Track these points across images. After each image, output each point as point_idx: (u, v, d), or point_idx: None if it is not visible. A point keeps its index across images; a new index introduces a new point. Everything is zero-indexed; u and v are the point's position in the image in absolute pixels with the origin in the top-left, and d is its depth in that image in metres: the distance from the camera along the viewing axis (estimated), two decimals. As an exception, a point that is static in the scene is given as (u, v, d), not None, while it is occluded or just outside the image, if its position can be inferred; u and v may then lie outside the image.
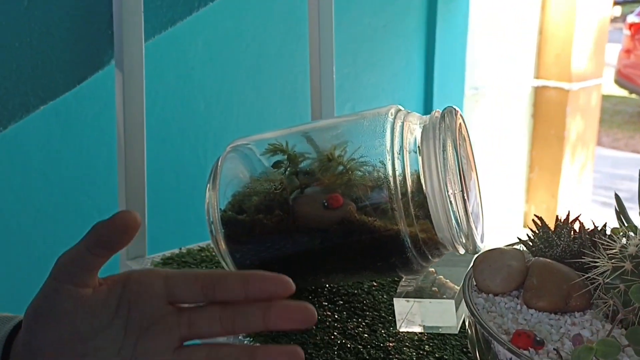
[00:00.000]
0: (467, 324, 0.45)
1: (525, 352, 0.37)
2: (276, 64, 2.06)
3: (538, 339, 0.38)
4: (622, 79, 5.67)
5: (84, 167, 1.64)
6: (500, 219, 3.13)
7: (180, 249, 0.76)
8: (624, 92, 6.18)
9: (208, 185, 0.63)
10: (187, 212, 1.89)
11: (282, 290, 0.37)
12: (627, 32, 5.39)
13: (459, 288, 0.60)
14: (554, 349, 0.37)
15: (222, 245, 0.60)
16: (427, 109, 2.68)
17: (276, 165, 0.60)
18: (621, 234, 0.44)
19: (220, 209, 0.60)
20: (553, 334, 0.39)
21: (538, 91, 3.24)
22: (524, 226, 3.37)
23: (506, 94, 3.09)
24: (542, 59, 3.24)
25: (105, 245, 0.36)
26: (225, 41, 1.94)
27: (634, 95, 5.91)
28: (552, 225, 0.49)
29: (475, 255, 0.47)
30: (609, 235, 0.46)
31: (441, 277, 0.63)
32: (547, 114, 3.23)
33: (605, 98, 3.84)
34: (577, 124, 3.26)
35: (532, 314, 0.42)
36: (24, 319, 0.38)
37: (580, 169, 3.37)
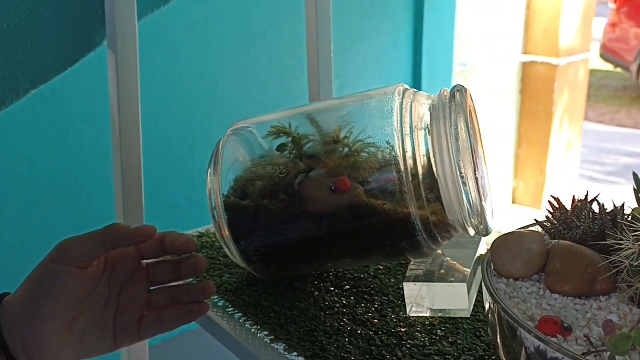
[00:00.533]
0: (486, 309, 0.43)
1: (553, 338, 0.36)
2: (263, 40, 2.02)
3: (565, 325, 0.37)
4: (607, 53, 5.68)
5: (71, 151, 1.60)
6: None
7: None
8: (609, 66, 6.20)
9: (209, 170, 0.60)
10: (176, 195, 1.87)
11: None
12: (612, 5, 5.39)
13: (468, 270, 0.59)
14: (585, 335, 0.36)
15: (226, 231, 0.58)
16: (415, 85, 2.66)
17: (280, 148, 0.58)
18: (643, 214, 0.43)
19: (222, 194, 0.58)
20: (580, 320, 0.38)
21: (526, 66, 3.23)
22: (513, 202, 3.38)
23: (494, 70, 3.07)
24: (530, 34, 3.22)
25: (120, 246, 0.49)
26: (211, 18, 1.90)
27: (618, 69, 5.93)
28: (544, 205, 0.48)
29: (485, 239, 0.45)
30: (632, 215, 0.45)
31: (448, 259, 0.62)
32: (535, 90, 3.23)
33: (591, 72, 3.84)
34: (564, 99, 3.26)
35: (556, 299, 0.40)
36: (22, 293, 0.47)
37: (568, 144, 3.38)
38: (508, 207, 3.34)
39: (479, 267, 0.62)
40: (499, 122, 3.17)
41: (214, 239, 0.71)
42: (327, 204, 0.55)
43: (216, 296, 0.60)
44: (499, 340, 0.41)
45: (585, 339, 0.36)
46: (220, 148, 0.61)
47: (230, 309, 0.58)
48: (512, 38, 3.14)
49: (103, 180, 1.61)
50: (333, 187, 0.55)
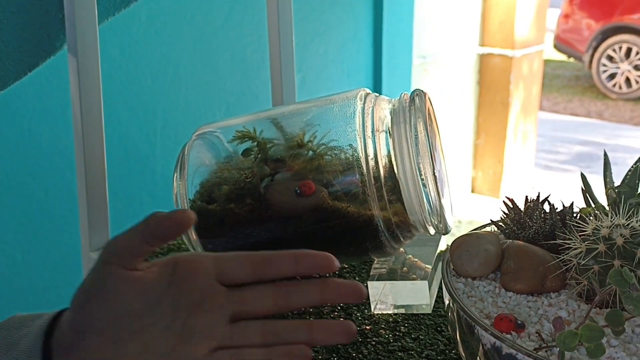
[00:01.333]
0: (446, 306, 0.46)
1: (508, 335, 0.39)
2: (224, 34, 2.02)
3: (519, 322, 0.39)
4: (560, 43, 5.83)
5: (27, 148, 1.57)
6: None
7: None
8: (562, 57, 6.37)
9: (175, 174, 0.61)
10: (140, 191, 1.86)
11: (329, 268, 0.40)
12: (565, -3, 5.52)
13: (429, 267, 0.61)
14: (537, 332, 0.38)
15: (193, 235, 0.59)
16: (376, 78, 2.69)
17: (246, 152, 0.59)
18: (590, 215, 0.46)
19: (189, 198, 0.59)
20: (532, 316, 0.41)
21: (483, 58, 3.30)
22: (472, 191, 3.46)
23: (453, 62, 3.13)
24: (487, 27, 3.29)
25: (161, 237, 0.38)
26: (170, 12, 1.88)
27: (572, 59, 6.09)
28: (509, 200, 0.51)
29: (445, 238, 0.48)
30: (579, 216, 0.48)
31: (410, 256, 0.64)
32: (492, 81, 3.30)
33: (545, 62, 3.94)
34: (520, 90, 3.34)
35: (510, 297, 0.43)
36: (73, 302, 0.38)
37: (524, 134, 3.47)
38: (467, 196, 3.41)
39: (440, 264, 0.65)
40: (458, 113, 3.23)
41: (180, 242, 0.72)
42: (292, 207, 0.57)
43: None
44: (458, 336, 0.43)
45: (537, 335, 0.38)
46: (185, 153, 0.62)
47: (199, 312, 0.59)
48: (469, 30, 3.20)
49: (61, 177, 1.59)
50: (298, 191, 0.56)
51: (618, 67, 5.48)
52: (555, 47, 5.95)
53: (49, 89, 1.56)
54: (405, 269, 0.62)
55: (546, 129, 4.83)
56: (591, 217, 0.44)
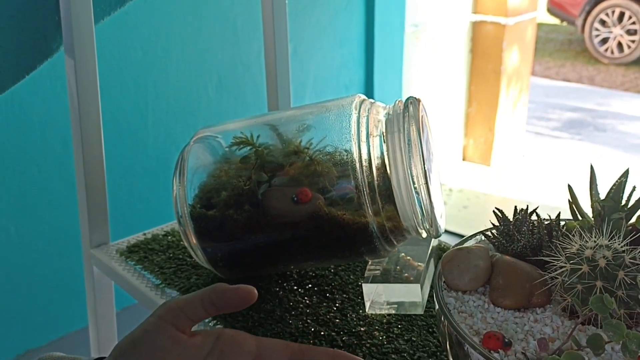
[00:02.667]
0: (436, 316, 0.48)
1: (496, 354, 0.41)
2: (214, 5, 2.00)
3: (506, 340, 0.42)
4: (554, 7, 5.78)
5: (22, 130, 1.57)
6: (440, 154, 3.22)
7: (145, 234, 0.76)
8: (555, 21, 6.32)
9: (174, 178, 0.63)
10: (133, 164, 1.86)
11: None
12: (559, -40, 5.46)
13: (422, 265, 0.64)
14: (522, 352, 0.41)
15: (193, 239, 0.61)
16: (368, 47, 2.68)
17: (244, 160, 0.60)
18: (575, 231, 0.48)
19: (188, 203, 0.61)
20: (519, 332, 0.43)
21: (476, 26, 3.28)
22: (463, 159, 3.49)
23: (445, 30, 3.11)
24: (480, -6, 3.26)
25: (221, 308, 0.41)
26: (161, -18, 1.86)
27: (565, 24, 6.06)
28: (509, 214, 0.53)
29: (442, 256, 0.50)
30: (564, 231, 0.50)
31: (404, 254, 0.67)
32: (484, 49, 3.29)
33: (538, 26, 3.92)
34: (513, 58, 3.34)
35: (498, 312, 0.45)
36: (116, 349, 0.40)
37: (516, 102, 3.48)
38: (458, 164, 3.44)
39: (432, 261, 0.67)
40: (450, 81, 3.23)
41: (179, 240, 0.74)
42: (289, 214, 0.58)
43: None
44: (448, 346, 0.46)
45: (523, 354, 0.41)
46: (184, 156, 0.63)
47: (200, 312, 0.61)
48: (462, -2, 3.17)
49: (52, 152, 1.59)
50: (295, 198, 0.58)
51: (610, 32, 5.46)
52: (549, 10, 5.90)
53: (57, 100, 1.56)
54: (398, 268, 0.64)
55: (538, 95, 4.84)
56: (576, 234, 0.46)
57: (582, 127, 4.23)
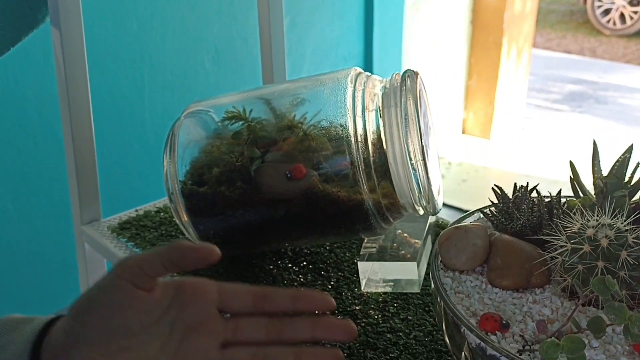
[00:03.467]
0: (432, 296, 0.47)
1: (493, 336, 0.40)
2: (213, -22, 1.96)
3: (504, 322, 0.40)
4: (556, -22, 5.68)
5: (17, 105, 1.55)
6: (439, 127, 3.20)
7: (137, 210, 0.74)
8: (558, -9, 6.23)
9: (165, 153, 0.61)
10: (129, 139, 1.84)
11: (326, 308, 0.41)
12: None
13: (419, 242, 0.63)
14: (520, 334, 0.39)
15: (184, 216, 0.59)
16: (367, 19, 2.64)
17: (236, 135, 0.58)
18: (576, 209, 0.46)
19: (179, 180, 0.59)
20: (517, 314, 0.42)
21: (477, -3, 3.23)
22: (463, 132, 3.46)
23: (446, 1, 3.06)
24: (481, -36, 3.20)
25: (180, 266, 0.39)
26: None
27: (567, -6, 5.96)
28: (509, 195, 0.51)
29: (439, 235, 0.48)
30: (565, 209, 0.49)
31: (400, 231, 0.65)
32: (485, 21, 3.24)
33: (540, -2, 3.86)
34: (514, 29, 3.29)
35: (496, 293, 0.44)
36: (72, 309, 0.38)
37: (516, 75, 3.44)
38: (458, 137, 3.42)
39: (429, 239, 0.66)
40: (450, 53, 3.19)
41: (172, 217, 0.72)
42: (283, 191, 0.57)
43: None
44: (444, 327, 0.44)
45: (521, 336, 0.39)
46: (175, 131, 0.61)
47: (192, 291, 0.60)
48: (463, -32, 3.11)
49: (49, 127, 1.57)
50: (289, 175, 0.56)
51: (613, 3, 5.38)
52: (551, -19, 5.80)
53: (31, 38, 1.53)
54: (395, 245, 0.63)
55: (539, 67, 4.79)
56: (577, 212, 0.44)
57: (583, 99, 4.19)
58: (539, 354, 0.35)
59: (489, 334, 0.40)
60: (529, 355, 0.38)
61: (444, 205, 0.74)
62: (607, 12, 5.46)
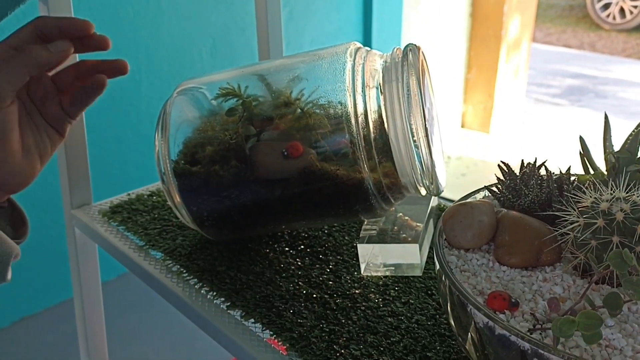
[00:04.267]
0: (437, 276, 0.45)
1: (502, 315, 0.38)
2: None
3: (513, 300, 0.38)
4: (556, -28, 5.66)
5: None
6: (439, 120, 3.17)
7: (129, 194, 0.72)
8: (557, -14, 6.21)
9: (157, 133, 0.58)
10: (125, 129, 1.82)
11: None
12: None
13: (420, 225, 0.60)
14: (531, 312, 0.37)
15: (177, 197, 0.57)
16: (366, 11, 2.61)
17: (230, 111, 0.56)
18: (587, 183, 0.44)
19: (171, 159, 0.57)
20: (526, 292, 0.40)
21: (476, -11, 3.20)
22: (462, 126, 3.44)
23: (445, -6, 3.03)
24: (481, -45, 3.17)
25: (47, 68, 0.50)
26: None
27: (566, -11, 5.94)
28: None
29: (444, 212, 0.46)
30: (575, 185, 0.46)
31: (401, 215, 0.63)
32: (485, 13, 3.21)
33: (540, -7, 3.84)
34: (513, 22, 3.26)
35: (504, 271, 0.42)
36: None
37: (516, 67, 3.41)
38: (457, 131, 3.40)
39: (431, 222, 0.64)
40: (450, 46, 3.16)
41: (165, 200, 0.70)
42: (279, 169, 0.54)
43: (170, 261, 0.60)
44: (449, 309, 0.42)
45: (532, 314, 0.37)
46: (167, 110, 0.59)
47: (185, 275, 0.58)
48: (463, -40, 3.08)
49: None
50: (286, 153, 0.54)
51: (613, -3, 5.36)
52: (550, -25, 5.78)
53: (19, 13, 1.50)
54: (395, 228, 0.60)
55: (538, 62, 4.77)
56: (589, 187, 0.42)
57: (582, 93, 4.17)
58: (552, 331, 0.33)
59: (497, 312, 0.38)
60: (540, 334, 0.36)
61: (443, 198, 0.72)
62: (606, 6, 5.45)
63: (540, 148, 3.25)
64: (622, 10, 5.38)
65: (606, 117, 0.49)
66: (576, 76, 4.55)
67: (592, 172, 0.48)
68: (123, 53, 1.83)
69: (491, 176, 2.98)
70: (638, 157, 0.46)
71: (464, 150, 3.21)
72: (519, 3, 3.25)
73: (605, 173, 0.47)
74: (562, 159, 0.49)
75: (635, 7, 5.29)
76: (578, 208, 0.41)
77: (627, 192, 0.40)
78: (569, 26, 5.76)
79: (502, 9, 3.17)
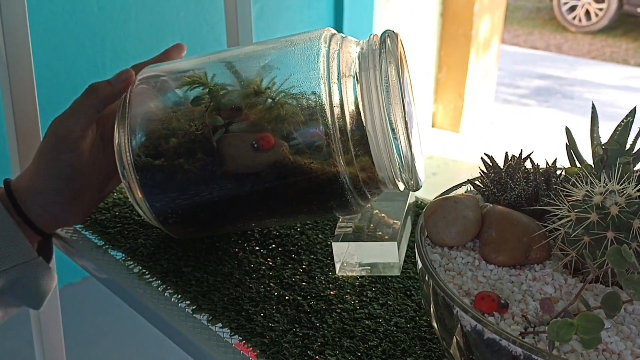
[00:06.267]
0: (419, 277, 0.42)
1: (491, 317, 0.35)
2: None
3: (502, 301, 0.35)
4: (524, -26, 5.74)
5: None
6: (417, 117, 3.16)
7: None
8: (524, -12, 6.29)
9: (116, 123, 0.54)
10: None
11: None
12: None
13: (398, 223, 0.57)
14: (522, 313, 0.34)
15: (138, 193, 0.53)
16: (337, 8, 2.59)
17: (196, 101, 0.52)
18: (577, 176, 0.42)
19: (132, 152, 0.52)
20: (515, 293, 0.37)
21: (447, -11, 3.20)
22: (432, 126, 3.44)
23: (416, -7, 3.03)
24: (451, -45, 3.18)
25: (110, 103, 0.56)
26: None
27: (534, -9, 6.03)
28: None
29: (425, 207, 0.43)
30: (564, 176, 0.44)
31: (378, 211, 0.60)
32: (455, 13, 3.22)
33: (508, -6, 3.87)
34: (483, 22, 3.28)
35: (491, 270, 0.39)
36: (38, 178, 0.55)
37: (486, 67, 3.43)
38: (428, 131, 3.40)
39: (409, 219, 0.61)
40: (420, 45, 3.16)
41: (126, 196, 0.66)
42: (249, 163, 0.51)
43: (131, 262, 0.55)
44: (432, 311, 0.39)
45: (523, 317, 0.34)
46: (128, 99, 0.55)
47: (147, 277, 0.54)
48: (433, -41, 3.08)
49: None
50: (256, 145, 0.50)
51: (578, 0, 5.45)
52: (518, -23, 5.85)
53: None
54: (372, 225, 0.57)
55: (506, 63, 4.81)
56: (579, 180, 0.39)
57: (550, 94, 4.22)
58: (548, 335, 0.30)
59: (485, 315, 0.35)
60: (533, 338, 0.33)
61: (418, 198, 0.69)
62: (572, 9, 5.53)
63: (510, 148, 3.27)
64: (587, 13, 5.48)
65: (593, 107, 0.46)
66: (543, 77, 4.61)
67: (578, 165, 0.46)
68: (87, 48, 1.77)
69: (462, 175, 2.98)
70: (626, 148, 0.44)
71: (435, 149, 3.21)
72: (489, 3, 3.26)
73: (593, 166, 0.45)
74: (532, 157, 0.47)
75: (601, 9, 5.39)
76: (568, 202, 0.38)
77: (620, 185, 0.37)
78: (536, 28, 5.84)
79: (472, 8, 3.18)
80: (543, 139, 3.29)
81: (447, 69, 3.33)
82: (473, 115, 3.42)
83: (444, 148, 3.23)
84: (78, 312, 1.61)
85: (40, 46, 1.64)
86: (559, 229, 0.38)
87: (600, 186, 0.37)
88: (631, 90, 4.35)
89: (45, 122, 0.66)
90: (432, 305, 0.39)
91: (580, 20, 5.49)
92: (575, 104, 4.04)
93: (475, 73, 3.33)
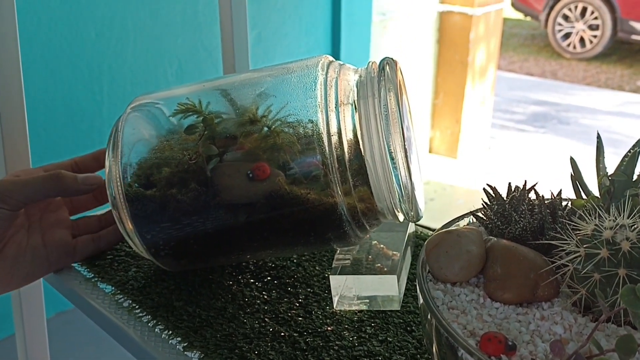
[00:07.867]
0: (421, 314, 0.40)
1: (498, 360, 0.33)
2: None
3: (510, 343, 0.33)
4: (518, 2, 5.81)
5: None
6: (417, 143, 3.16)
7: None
8: (519, 15, 6.36)
9: (107, 152, 0.53)
10: (85, 152, 1.74)
11: None
12: (524, -45, 5.47)
13: (397, 254, 0.56)
14: (532, 358, 0.33)
15: (129, 224, 0.51)
16: (334, 34, 2.60)
17: (190, 129, 0.51)
18: (583, 208, 0.40)
19: (123, 182, 0.51)
20: (523, 333, 0.35)
21: (443, 16, 3.23)
22: (430, 152, 3.44)
23: (412, 20, 3.05)
24: (447, -17, 3.21)
25: (64, 195, 0.56)
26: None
27: (528, 18, 6.09)
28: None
29: (427, 241, 0.41)
30: (569, 210, 0.42)
31: (376, 242, 0.58)
32: (451, 40, 3.24)
33: (503, 21, 3.91)
34: (479, 49, 3.30)
35: (497, 308, 0.37)
36: None
37: (482, 93, 3.44)
38: (425, 156, 3.39)
39: (409, 251, 0.59)
40: (417, 72, 3.17)
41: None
42: (244, 193, 0.49)
43: (121, 295, 0.53)
44: (434, 350, 0.37)
45: (532, 359, 0.33)
46: (119, 127, 0.53)
47: (137, 311, 0.51)
48: (430, -13, 3.11)
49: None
50: (251, 175, 0.49)
51: (573, 27, 5.50)
52: (513, 5, 5.92)
53: None
54: (370, 257, 0.56)
55: (502, 89, 4.84)
56: (587, 213, 0.38)
57: (546, 120, 4.23)
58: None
59: (492, 357, 0.33)
60: (544, 383, 0.31)
61: (419, 226, 0.67)
62: (567, 36, 5.58)
63: (507, 173, 3.26)
64: (582, 40, 5.52)
65: (599, 137, 0.45)
66: (539, 103, 4.63)
67: (584, 196, 0.45)
68: (85, 75, 1.76)
69: (459, 200, 2.97)
70: (634, 180, 0.43)
71: (432, 175, 3.21)
72: (485, 31, 3.29)
73: (599, 197, 0.44)
74: (531, 184, 0.45)
75: (595, 37, 5.44)
76: (576, 236, 0.37)
77: (630, 219, 0.36)
78: (531, 55, 5.88)
79: (468, 35, 3.20)
80: (540, 165, 3.28)
81: (444, 95, 3.34)
82: (470, 140, 3.42)
83: (441, 173, 3.22)
84: (68, 341, 1.57)
85: (37, 72, 1.64)
86: (568, 265, 0.36)
87: (610, 220, 0.36)
88: (626, 116, 4.37)
89: (39, 150, 0.65)
90: (434, 345, 0.37)
91: (574, 47, 5.54)
92: (572, 130, 4.05)
93: (472, 99, 3.34)
